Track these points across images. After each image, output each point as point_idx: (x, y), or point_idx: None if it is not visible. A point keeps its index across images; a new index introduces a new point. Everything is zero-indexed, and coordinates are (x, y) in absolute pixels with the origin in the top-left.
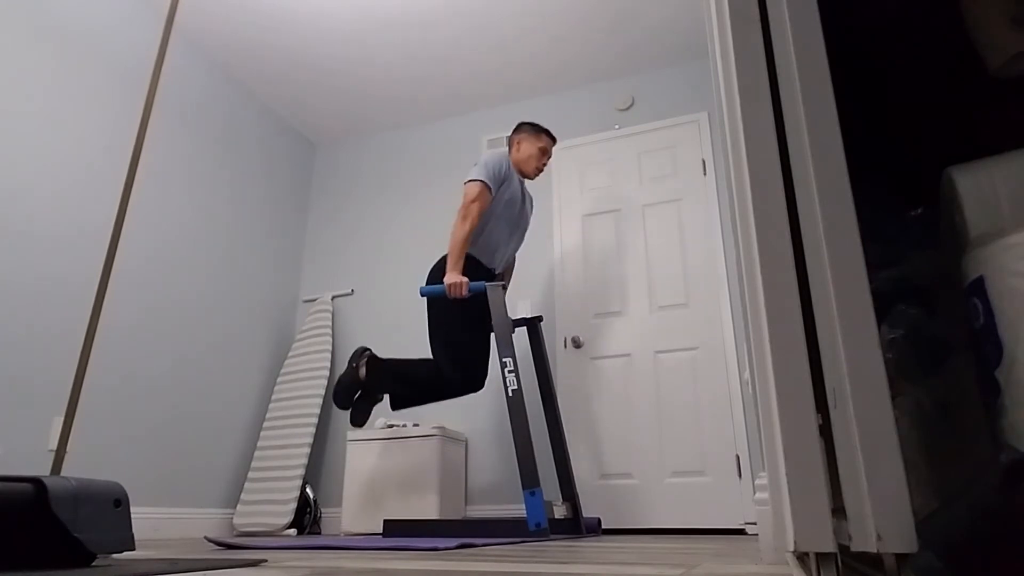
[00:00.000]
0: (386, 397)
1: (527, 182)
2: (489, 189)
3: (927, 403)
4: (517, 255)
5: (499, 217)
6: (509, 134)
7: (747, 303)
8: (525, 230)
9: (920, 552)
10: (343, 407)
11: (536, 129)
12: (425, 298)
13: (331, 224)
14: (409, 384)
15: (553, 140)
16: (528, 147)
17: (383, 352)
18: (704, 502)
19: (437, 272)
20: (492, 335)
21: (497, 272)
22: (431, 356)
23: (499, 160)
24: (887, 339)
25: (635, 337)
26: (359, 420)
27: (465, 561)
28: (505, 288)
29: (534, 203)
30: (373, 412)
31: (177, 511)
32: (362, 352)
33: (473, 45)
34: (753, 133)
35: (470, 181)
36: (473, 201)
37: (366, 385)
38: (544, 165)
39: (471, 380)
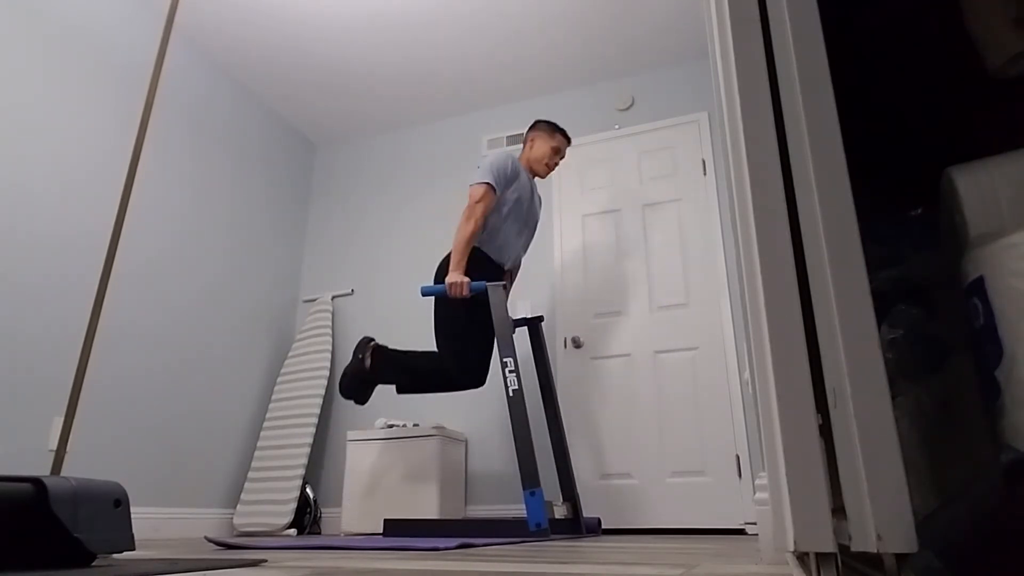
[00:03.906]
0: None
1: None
2: (494, 190)
3: (927, 403)
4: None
5: (507, 216)
6: (520, 131)
7: (747, 303)
8: (535, 228)
9: (920, 552)
10: (348, 397)
11: (552, 128)
12: (430, 296)
13: (331, 224)
14: (414, 375)
15: (568, 140)
16: (541, 145)
17: None
18: (704, 502)
19: (443, 269)
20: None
21: (507, 267)
22: (436, 350)
23: (504, 160)
24: (887, 339)
25: (635, 337)
26: (362, 400)
27: (465, 561)
28: (508, 289)
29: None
30: (373, 412)
31: (177, 511)
32: (367, 343)
33: (473, 45)
34: (753, 133)
35: (476, 184)
36: (478, 202)
37: (372, 376)
38: (556, 164)
39: (473, 376)
